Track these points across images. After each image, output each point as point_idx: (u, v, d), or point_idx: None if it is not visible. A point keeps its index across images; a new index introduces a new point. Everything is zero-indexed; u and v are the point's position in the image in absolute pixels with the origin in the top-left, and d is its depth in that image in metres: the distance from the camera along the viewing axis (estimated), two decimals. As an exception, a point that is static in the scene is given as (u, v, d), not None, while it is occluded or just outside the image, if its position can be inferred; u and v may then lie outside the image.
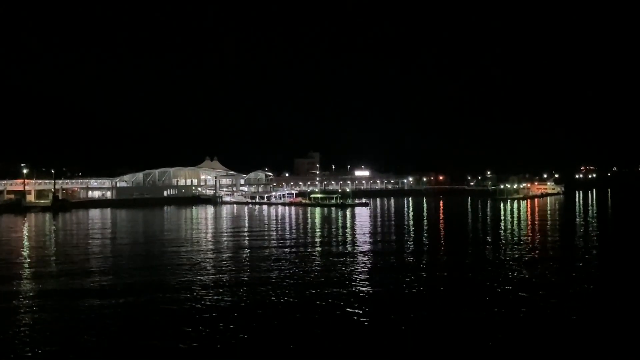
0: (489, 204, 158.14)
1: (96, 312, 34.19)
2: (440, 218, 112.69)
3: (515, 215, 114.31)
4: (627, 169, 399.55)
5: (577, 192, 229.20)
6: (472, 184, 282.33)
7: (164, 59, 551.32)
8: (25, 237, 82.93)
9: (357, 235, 77.65)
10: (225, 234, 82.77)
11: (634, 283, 41.41)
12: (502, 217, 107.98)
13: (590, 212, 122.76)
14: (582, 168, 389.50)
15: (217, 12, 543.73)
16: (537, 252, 58.84)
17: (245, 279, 44.76)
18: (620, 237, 74.79)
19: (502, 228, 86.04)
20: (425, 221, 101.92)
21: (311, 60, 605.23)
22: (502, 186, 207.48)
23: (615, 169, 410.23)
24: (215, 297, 37.60)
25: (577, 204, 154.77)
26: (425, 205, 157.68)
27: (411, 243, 68.79)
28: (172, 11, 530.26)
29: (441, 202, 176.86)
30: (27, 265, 54.24)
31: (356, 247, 64.13)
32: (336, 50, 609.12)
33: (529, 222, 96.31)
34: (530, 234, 77.26)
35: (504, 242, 68.08)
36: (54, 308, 35.43)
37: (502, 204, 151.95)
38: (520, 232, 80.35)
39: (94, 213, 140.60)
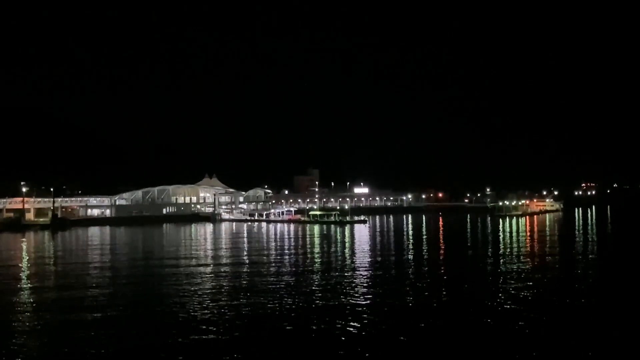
0: (488, 220, 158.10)
1: (93, 326, 34.07)
2: (440, 234, 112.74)
3: (515, 231, 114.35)
4: (629, 185, 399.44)
5: (576, 208, 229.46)
6: (466, 200, 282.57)
7: (163, 77, 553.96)
8: (24, 255, 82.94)
9: (355, 252, 77.66)
10: (224, 251, 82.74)
11: (630, 297, 41.49)
12: (501, 233, 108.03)
13: (588, 228, 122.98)
14: (583, 185, 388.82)
15: (215, 30, 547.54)
16: (535, 267, 58.70)
17: (244, 292, 44.52)
18: (617, 252, 74.84)
19: (502, 244, 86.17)
20: (425, 237, 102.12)
21: (311, 79, 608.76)
22: (500, 203, 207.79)
23: (615, 185, 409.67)
24: (214, 312, 37.48)
25: (576, 220, 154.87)
26: (424, 222, 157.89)
27: (409, 258, 68.75)
28: (171, 28, 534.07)
29: (440, 218, 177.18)
30: (23, 282, 54.29)
31: (353, 263, 63.99)
32: (335, 69, 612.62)
33: (528, 238, 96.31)
34: (529, 250, 77.22)
35: (503, 257, 68.01)
36: (50, 323, 35.46)
37: (501, 221, 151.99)
38: (519, 247, 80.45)
39: (93, 231, 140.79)
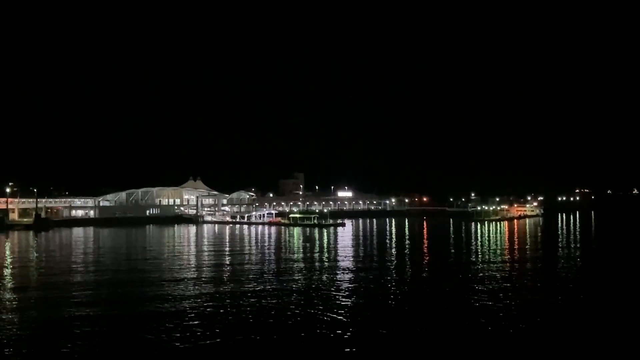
0: (469, 224, 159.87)
1: (76, 326, 34.58)
2: (422, 237, 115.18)
3: (492, 234, 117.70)
4: (622, 192, 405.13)
5: (558, 214, 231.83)
6: (447, 205, 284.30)
7: (149, 79, 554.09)
8: (7, 254, 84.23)
9: (332, 254, 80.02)
10: (206, 251, 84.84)
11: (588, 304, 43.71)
12: (478, 237, 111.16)
13: (561, 231, 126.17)
14: (577, 190, 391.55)
15: (201, 33, 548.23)
16: (498, 267, 61.03)
17: (226, 292, 46.02)
18: (582, 255, 77.26)
19: (478, 246, 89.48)
20: (402, 240, 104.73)
21: (296, 83, 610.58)
22: (479, 208, 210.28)
23: (609, 192, 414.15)
24: (195, 313, 38.30)
25: (553, 225, 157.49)
26: (407, 226, 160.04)
27: (383, 260, 70.75)
28: (157, 31, 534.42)
29: (425, 222, 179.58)
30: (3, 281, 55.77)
31: (332, 265, 65.69)
32: (321, 74, 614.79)
33: (498, 241, 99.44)
34: (497, 251, 79.91)
35: (471, 259, 70.59)
36: (33, 321, 36.33)
37: (479, 225, 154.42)
38: (489, 250, 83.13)
39: (76, 231, 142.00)
